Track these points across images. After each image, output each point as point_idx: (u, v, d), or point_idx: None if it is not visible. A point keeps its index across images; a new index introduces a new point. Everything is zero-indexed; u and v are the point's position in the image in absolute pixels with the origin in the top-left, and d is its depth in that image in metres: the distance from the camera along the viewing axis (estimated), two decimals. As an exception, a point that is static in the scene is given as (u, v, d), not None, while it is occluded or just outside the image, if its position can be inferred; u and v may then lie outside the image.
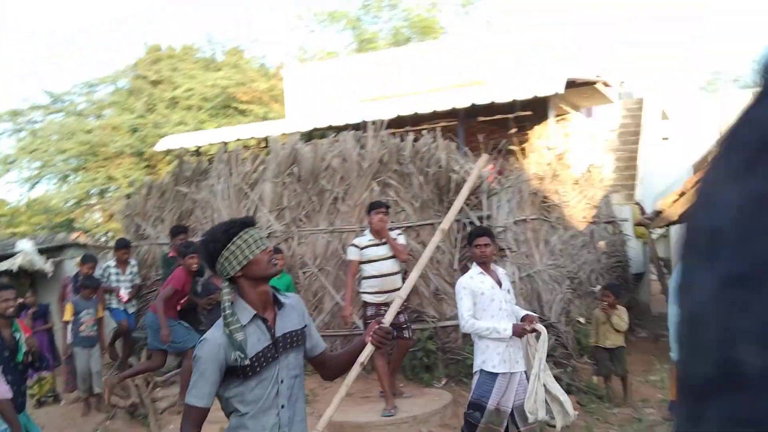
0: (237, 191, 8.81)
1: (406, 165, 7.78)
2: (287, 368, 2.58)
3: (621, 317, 7.19)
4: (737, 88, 31.71)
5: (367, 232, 6.41)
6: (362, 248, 6.24)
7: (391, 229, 6.43)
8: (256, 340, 2.50)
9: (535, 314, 4.95)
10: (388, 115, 9.47)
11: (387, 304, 6.14)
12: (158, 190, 9.70)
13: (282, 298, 2.67)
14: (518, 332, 4.70)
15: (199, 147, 12.47)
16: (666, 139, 17.38)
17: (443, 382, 7.16)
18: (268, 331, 2.56)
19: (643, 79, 17.02)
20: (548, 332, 7.37)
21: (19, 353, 4.78)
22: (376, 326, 2.73)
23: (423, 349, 7.20)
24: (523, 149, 11.12)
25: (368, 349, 2.78)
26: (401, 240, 6.35)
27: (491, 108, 9.73)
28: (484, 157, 3.02)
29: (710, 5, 60.54)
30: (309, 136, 12.00)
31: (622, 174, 13.15)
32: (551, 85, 9.49)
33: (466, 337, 7.33)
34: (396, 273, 6.30)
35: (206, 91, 19.79)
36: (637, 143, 14.19)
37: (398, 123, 9.98)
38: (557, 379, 7.18)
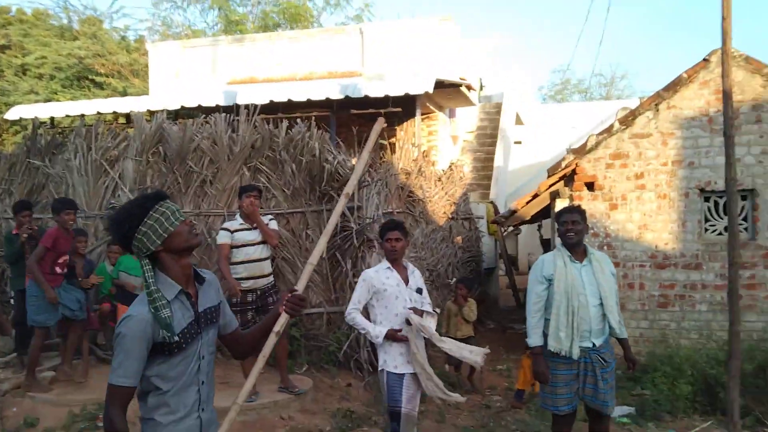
0: (96, 167, 8.36)
1: (279, 152, 7.76)
2: (207, 344, 2.56)
3: (471, 309, 7.51)
4: (582, 98, 34.24)
5: (237, 216, 6.28)
6: (233, 232, 6.12)
7: (263, 215, 6.37)
8: (182, 316, 2.45)
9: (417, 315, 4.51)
10: (261, 99, 9.38)
11: (253, 291, 6.12)
12: (7, 161, 8.98)
13: (202, 273, 2.62)
14: (390, 337, 4.43)
15: (54, 118, 11.66)
16: (519, 142, 18.49)
17: (304, 368, 7.24)
18: (192, 307, 2.50)
19: (501, 84, 17.89)
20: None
21: None
22: (288, 294, 2.68)
23: (286, 335, 7.24)
24: (391, 144, 11.44)
25: (283, 318, 2.74)
26: (273, 225, 6.29)
27: (364, 101, 9.92)
28: (381, 120, 2.95)
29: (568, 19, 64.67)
30: (175, 114, 11.60)
31: (479, 174, 13.84)
32: (421, 84, 9.83)
33: (330, 325, 7.48)
34: (265, 259, 6.23)
35: (60, 60, 18.49)
36: (493, 145, 14.96)
37: (270, 108, 9.92)
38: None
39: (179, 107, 11.00)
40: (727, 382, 4.43)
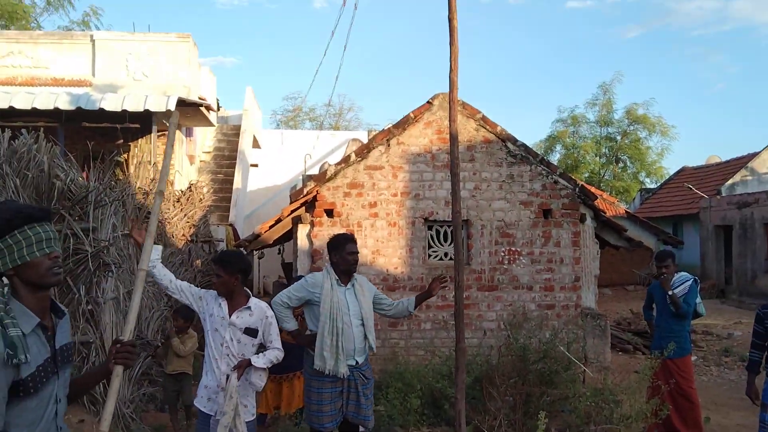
0: None
1: (0, 165, 6.95)
2: (64, 385, 2.30)
3: (185, 342, 6.48)
4: (313, 125, 35.63)
5: None
6: None
7: None
8: (37, 352, 2.15)
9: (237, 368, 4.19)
10: (-26, 104, 8.33)
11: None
12: None
13: (60, 306, 2.36)
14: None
15: None
16: (255, 165, 18.68)
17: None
18: (48, 342, 2.22)
19: (238, 105, 18.01)
20: (144, 349, 7.32)
21: None
22: (117, 345, 2.44)
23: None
24: (127, 161, 10.85)
25: (119, 370, 2.45)
26: None
27: (98, 114, 9.30)
28: (176, 113, 2.67)
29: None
30: None
31: (218, 195, 13.72)
32: (163, 101, 9.52)
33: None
34: None
35: None
36: (231, 167, 14.96)
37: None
38: (153, 397, 7.23)
39: None
40: (455, 395, 4.98)
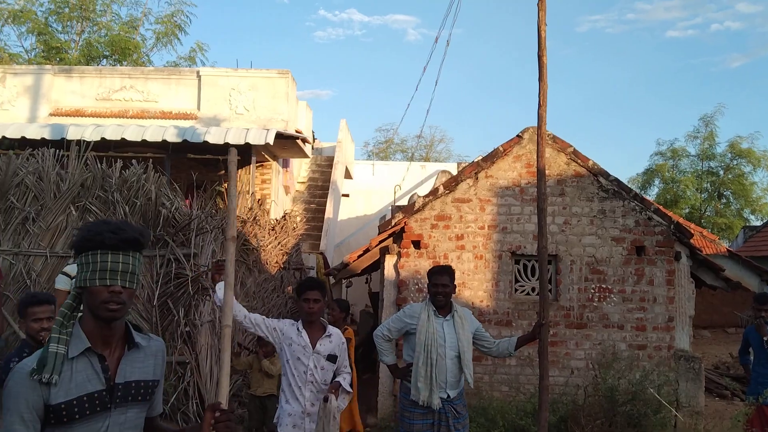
0: None
1: (111, 192, 7.51)
2: (120, 426, 2.08)
3: (273, 363, 6.69)
4: (403, 157, 36.06)
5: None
6: (73, 278, 5.77)
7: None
8: (85, 379, 1.99)
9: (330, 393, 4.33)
10: (93, 136, 9.02)
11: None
12: None
13: (139, 339, 2.17)
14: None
15: None
16: (346, 195, 19.13)
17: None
18: (104, 373, 2.04)
19: (332, 138, 18.59)
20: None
21: None
22: (215, 414, 2.15)
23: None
24: (225, 191, 11.40)
25: None
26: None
27: (201, 146, 9.86)
28: (233, 151, 2.67)
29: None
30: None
31: (310, 224, 14.14)
32: (262, 135, 9.99)
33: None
34: None
35: None
36: (324, 197, 15.39)
37: (100, 146, 9.55)
38: (242, 419, 7.49)
39: (0, 137, 10.21)
40: None
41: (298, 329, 4.39)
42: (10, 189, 7.41)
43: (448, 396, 4.71)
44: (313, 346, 4.38)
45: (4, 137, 10.28)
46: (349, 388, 4.47)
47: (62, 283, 5.74)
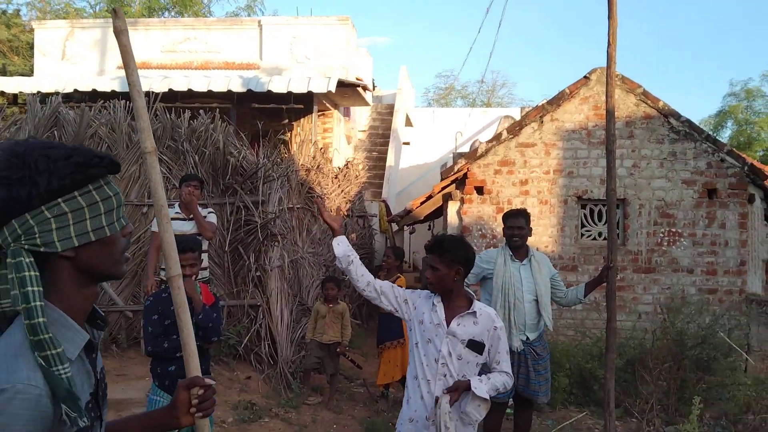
0: (-21, 149, 7.92)
1: (180, 142, 7.70)
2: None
3: (335, 309, 6.71)
4: (464, 103, 35.56)
5: (176, 204, 6.05)
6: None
7: (204, 206, 6.19)
8: (80, 385, 1.34)
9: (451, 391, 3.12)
10: (160, 87, 9.23)
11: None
12: None
13: (101, 313, 1.47)
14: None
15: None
16: (407, 143, 19.07)
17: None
18: (93, 369, 1.41)
19: (392, 85, 18.45)
20: (291, 316, 7.75)
21: None
22: (194, 389, 1.57)
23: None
24: (290, 139, 11.56)
25: (203, 426, 1.65)
26: (212, 218, 6.03)
27: (265, 95, 9.98)
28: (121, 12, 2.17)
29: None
30: (67, 98, 11.18)
31: (372, 172, 14.21)
32: (324, 83, 10.02)
33: (231, 318, 7.50)
34: None
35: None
36: (385, 145, 15.40)
37: (168, 97, 9.77)
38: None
39: (72, 90, 10.56)
40: (604, 374, 4.95)
41: (433, 303, 3.27)
42: (84, 141, 7.68)
43: (528, 338, 4.77)
44: (448, 324, 3.22)
45: (75, 90, 10.62)
46: (485, 395, 3.12)
47: (156, 225, 5.85)
